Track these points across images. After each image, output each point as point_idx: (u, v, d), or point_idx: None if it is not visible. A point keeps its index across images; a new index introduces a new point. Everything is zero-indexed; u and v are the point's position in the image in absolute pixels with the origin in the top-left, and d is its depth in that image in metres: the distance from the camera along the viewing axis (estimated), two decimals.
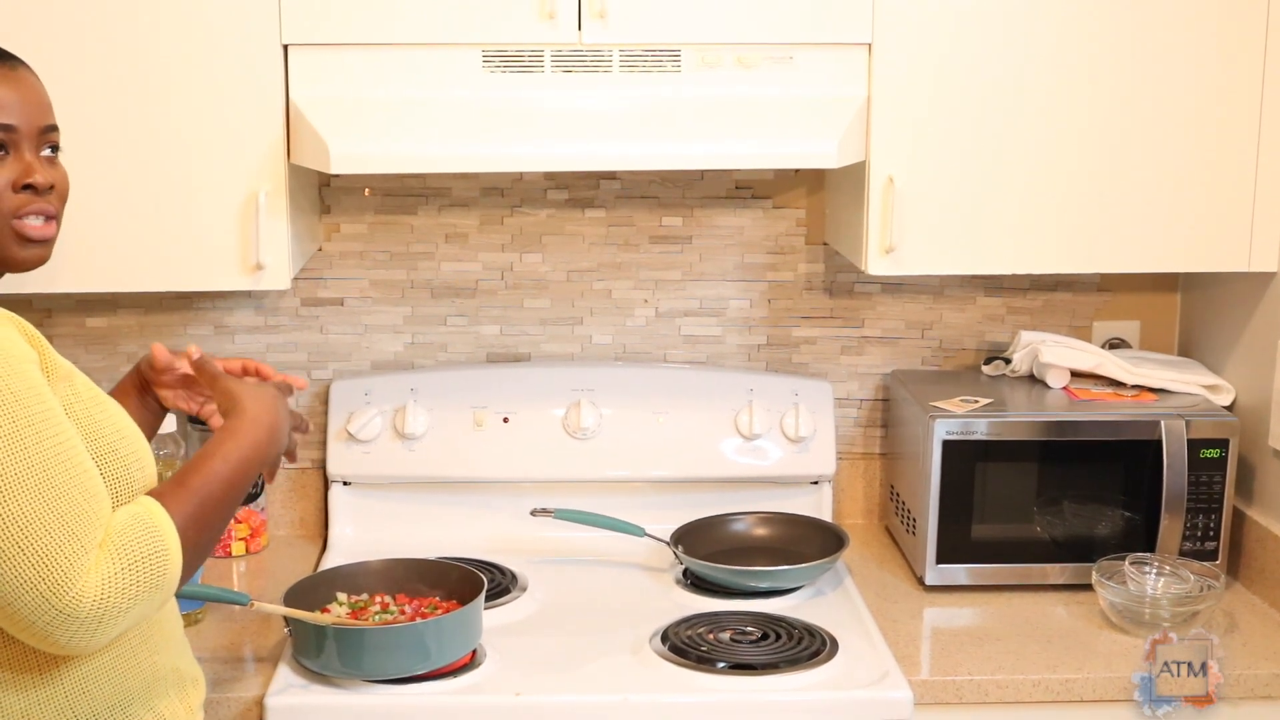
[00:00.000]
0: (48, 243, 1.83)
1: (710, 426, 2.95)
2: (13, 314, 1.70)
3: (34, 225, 1.81)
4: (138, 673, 1.80)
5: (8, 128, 1.78)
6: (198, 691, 1.95)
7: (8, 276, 1.86)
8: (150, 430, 2.16)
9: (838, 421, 3.04)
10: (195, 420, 2.27)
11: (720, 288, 3.04)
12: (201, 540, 1.76)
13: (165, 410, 2.20)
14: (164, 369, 2.14)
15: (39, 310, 2.92)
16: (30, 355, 1.67)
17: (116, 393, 2.13)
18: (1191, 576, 2.56)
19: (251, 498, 2.91)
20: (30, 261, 1.83)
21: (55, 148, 1.86)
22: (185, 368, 2.13)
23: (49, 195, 1.82)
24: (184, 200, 2.52)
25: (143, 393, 2.16)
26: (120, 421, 1.80)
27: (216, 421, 2.11)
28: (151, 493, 1.75)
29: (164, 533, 1.69)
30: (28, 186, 1.79)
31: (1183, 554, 2.65)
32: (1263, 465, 2.72)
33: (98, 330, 2.96)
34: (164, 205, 2.52)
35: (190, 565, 1.73)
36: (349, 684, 2.32)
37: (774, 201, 3.02)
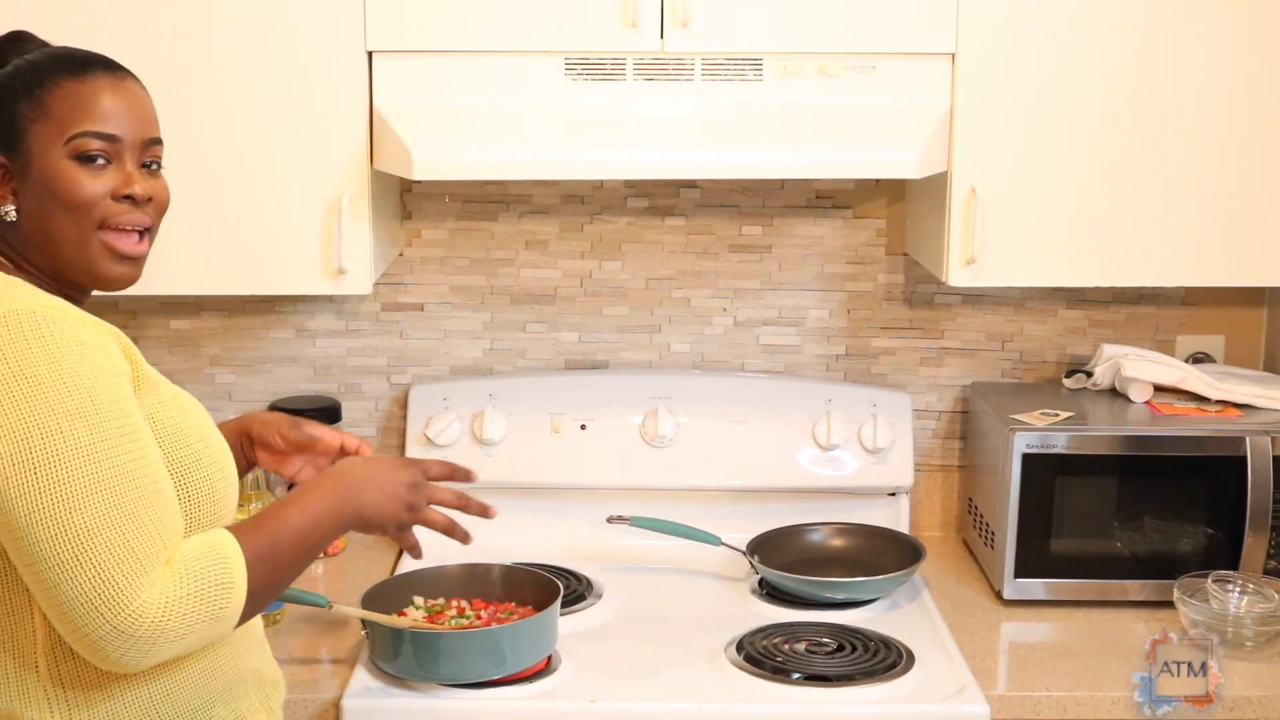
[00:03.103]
0: (138, 261, 1.80)
1: (787, 436, 2.94)
2: (113, 327, 1.71)
3: (126, 241, 1.78)
4: (220, 675, 1.81)
5: (112, 138, 1.76)
6: (278, 693, 1.96)
7: None
8: (242, 471, 2.13)
9: (916, 433, 3.02)
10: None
11: (799, 297, 3.03)
12: (270, 582, 1.74)
13: (254, 465, 2.17)
14: (289, 446, 2.12)
15: (124, 312, 2.95)
16: (123, 369, 1.68)
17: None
18: (1276, 595, 2.53)
19: None
20: (120, 280, 1.80)
21: (158, 162, 1.83)
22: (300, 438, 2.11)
23: (146, 207, 1.79)
24: (268, 205, 2.54)
25: (239, 439, 2.12)
26: (205, 430, 1.81)
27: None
28: (229, 528, 1.74)
29: (233, 566, 1.68)
30: (126, 197, 1.77)
31: (1267, 572, 2.62)
32: None
33: (182, 332, 3.00)
34: (248, 210, 2.54)
35: (255, 605, 1.71)
36: (425, 687, 2.33)
37: (854, 211, 3.01)
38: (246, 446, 2.13)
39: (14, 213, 1.74)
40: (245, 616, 1.71)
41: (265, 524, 1.76)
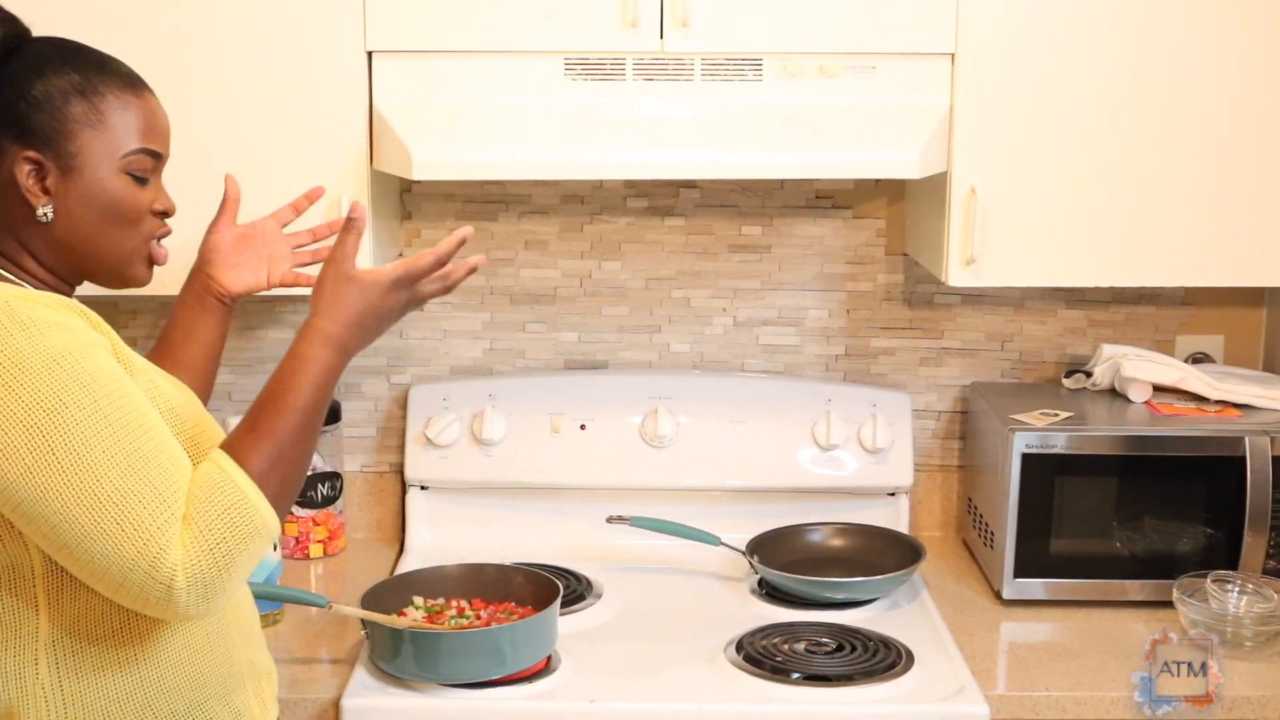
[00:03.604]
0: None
1: (787, 436, 2.95)
2: (75, 302, 1.72)
3: (161, 252, 1.86)
4: (215, 669, 1.81)
5: (158, 156, 1.82)
6: (270, 683, 1.96)
7: None
8: (220, 338, 2.22)
9: (915, 433, 3.02)
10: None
11: (799, 297, 3.03)
12: (289, 479, 1.73)
13: (231, 302, 2.22)
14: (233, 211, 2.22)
15: (124, 312, 2.95)
16: (98, 340, 1.68)
17: (179, 309, 2.20)
18: (1275, 595, 2.53)
19: (329, 500, 2.93)
20: (144, 282, 1.85)
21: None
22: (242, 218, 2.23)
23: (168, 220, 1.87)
24: (267, 205, 2.53)
25: (203, 295, 2.20)
26: (199, 414, 1.83)
27: (289, 279, 2.25)
28: (223, 444, 1.72)
29: (239, 482, 1.66)
30: (163, 212, 1.84)
31: (1266, 572, 2.62)
32: None
33: None
34: (248, 210, 2.53)
35: (284, 500, 1.71)
36: (424, 687, 2.33)
37: (854, 211, 3.01)
38: (209, 287, 2.21)
39: (51, 213, 1.74)
40: (281, 512, 1.70)
41: (260, 423, 1.73)
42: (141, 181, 1.79)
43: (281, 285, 2.30)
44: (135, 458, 1.62)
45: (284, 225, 2.34)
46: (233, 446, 1.71)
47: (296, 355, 1.80)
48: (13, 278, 1.75)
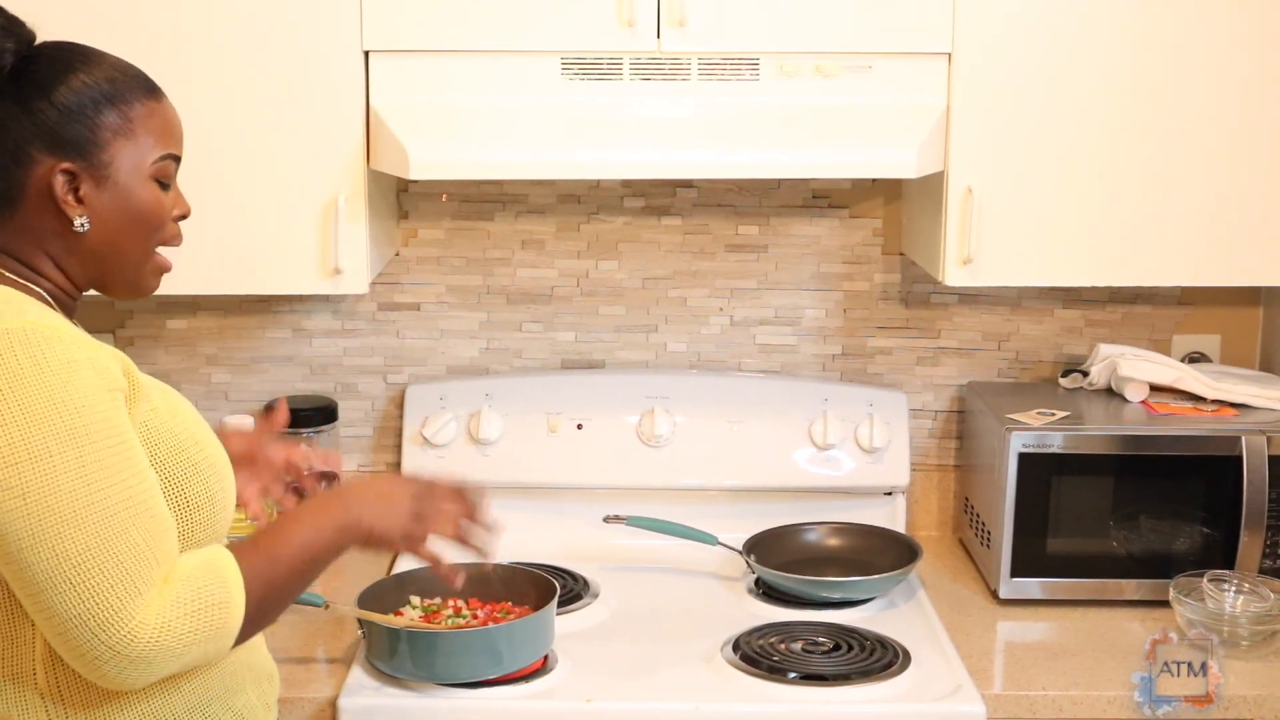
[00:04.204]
0: None
1: (784, 436, 2.95)
2: (110, 347, 1.70)
3: (167, 260, 1.84)
4: (218, 674, 1.81)
5: (179, 159, 1.82)
6: (273, 687, 1.96)
7: None
8: None
9: (912, 433, 3.02)
10: None
11: (796, 297, 3.03)
12: (269, 600, 1.73)
13: None
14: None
15: (121, 312, 2.95)
16: (118, 385, 1.67)
17: None
18: (1271, 595, 2.53)
19: None
20: (150, 291, 1.84)
21: None
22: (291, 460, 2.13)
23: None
24: (265, 205, 2.54)
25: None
26: (200, 434, 1.80)
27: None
28: (228, 547, 1.74)
29: (231, 584, 1.67)
30: (181, 216, 1.84)
31: (1262, 572, 2.62)
32: None
33: (178, 332, 3.00)
34: (245, 210, 2.54)
35: (254, 624, 1.72)
36: (421, 687, 2.33)
37: (851, 211, 3.01)
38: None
39: (87, 223, 1.73)
40: (245, 635, 1.70)
41: (263, 541, 1.76)
42: (165, 187, 1.79)
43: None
44: (107, 523, 1.60)
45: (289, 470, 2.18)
46: (237, 550, 1.72)
47: (318, 498, 1.90)
48: (35, 288, 1.74)
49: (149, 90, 1.78)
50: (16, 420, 1.58)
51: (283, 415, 2.19)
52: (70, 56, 1.75)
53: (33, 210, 1.72)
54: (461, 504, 1.97)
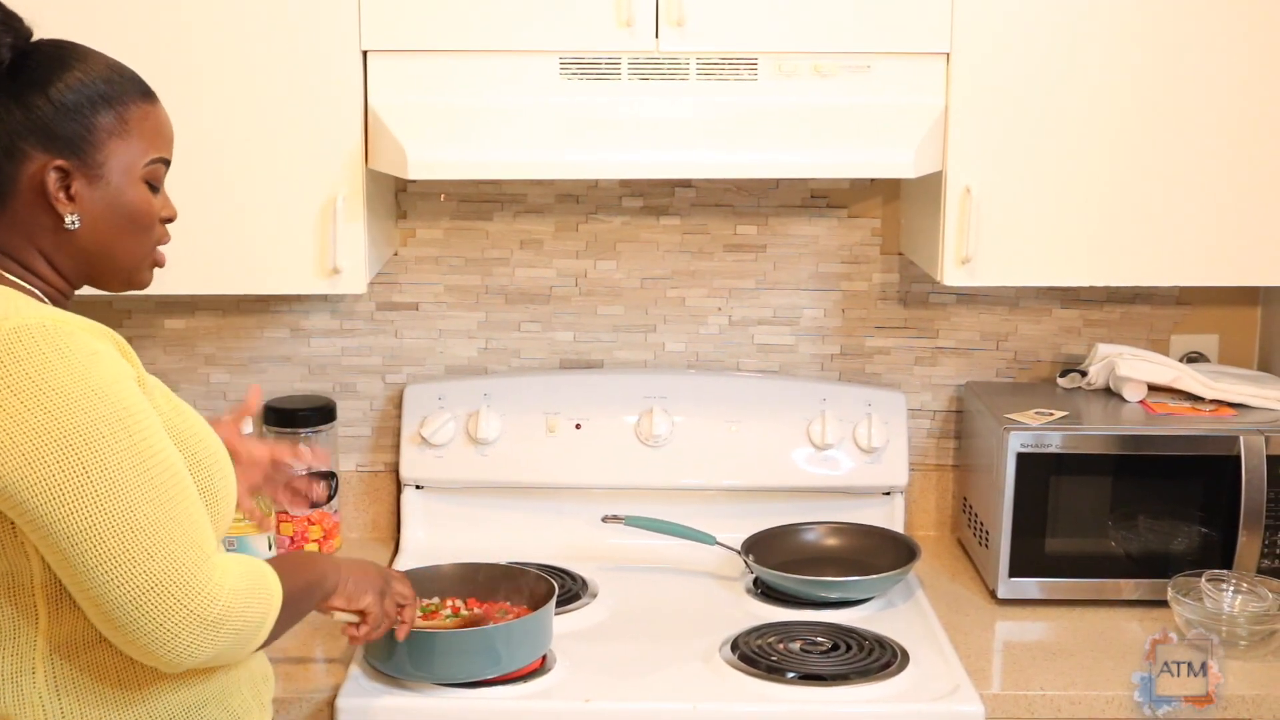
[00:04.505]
0: None
1: (782, 436, 2.95)
2: (109, 330, 1.72)
3: (163, 255, 1.87)
4: (215, 675, 1.82)
5: (169, 164, 1.84)
6: (268, 687, 1.97)
7: None
8: None
9: (910, 433, 3.02)
10: None
11: (794, 297, 3.03)
12: (284, 611, 1.80)
13: None
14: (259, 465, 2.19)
15: (119, 311, 2.95)
16: (130, 372, 1.70)
17: None
18: (1269, 595, 2.53)
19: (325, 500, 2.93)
20: (147, 285, 1.87)
21: None
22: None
23: None
24: (263, 204, 2.54)
25: None
26: (201, 429, 1.82)
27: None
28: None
29: (270, 578, 1.77)
30: (168, 219, 1.86)
31: (1261, 571, 2.62)
32: None
33: (176, 332, 3.00)
34: (243, 209, 2.54)
35: (273, 632, 1.78)
36: (419, 687, 2.33)
37: (849, 211, 3.01)
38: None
39: (78, 220, 1.75)
40: (267, 640, 1.77)
41: (276, 565, 1.83)
42: (154, 190, 1.81)
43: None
44: (167, 494, 1.65)
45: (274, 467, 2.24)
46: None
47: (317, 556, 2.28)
48: (28, 285, 1.75)
49: (144, 93, 1.79)
50: (60, 409, 1.60)
51: (254, 399, 2.24)
52: (67, 55, 1.76)
53: (24, 206, 1.73)
54: (405, 613, 2.23)
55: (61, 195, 1.73)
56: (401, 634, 2.23)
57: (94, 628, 1.69)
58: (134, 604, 1.61)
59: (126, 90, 1.77)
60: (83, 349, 1.64)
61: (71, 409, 1.60)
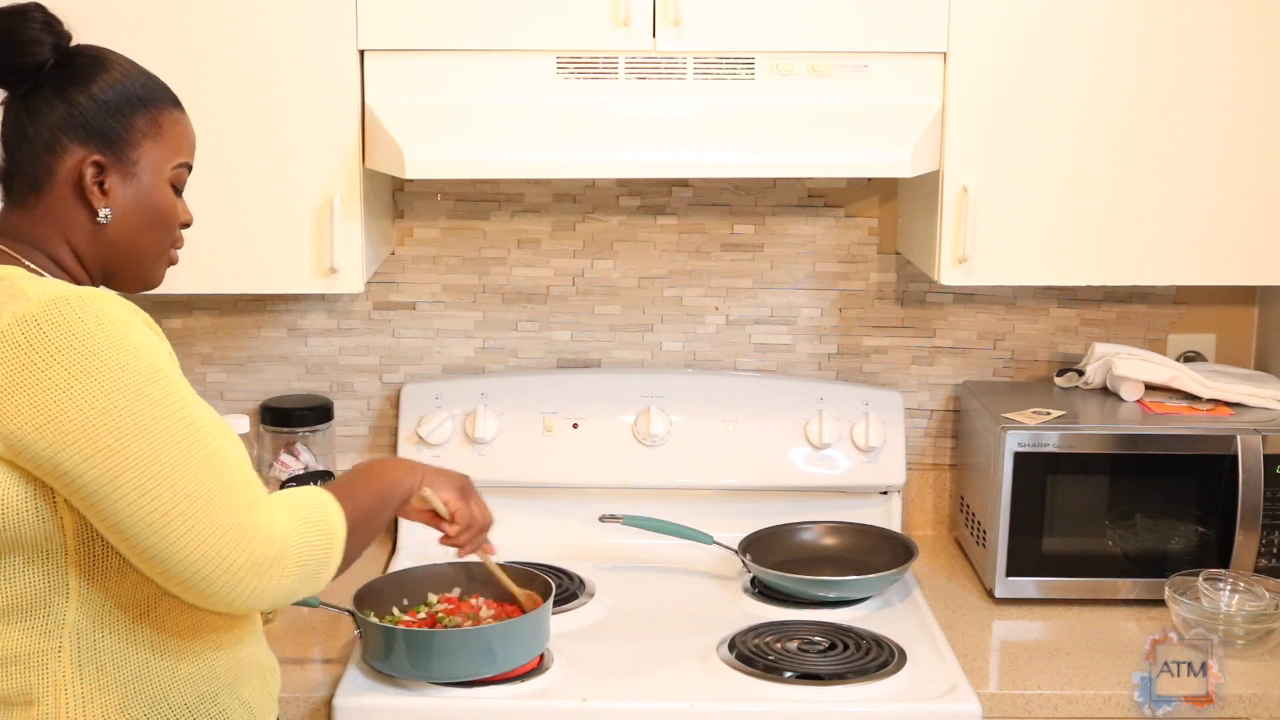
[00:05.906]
0: None
1: (780, 435, 2.95)
2: (139, 309, 1.75)
3: (176, 255, 1.93)
4: (226, 663, 1.83)
5: (191, 169, 1.90)
6: (275, 680, 1.99)
7: None
8: None
9: (908, 432, 3.03)
10: None
11: (791, 296, 3.03)
12: (355, 533, 1.83)
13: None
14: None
15: None
16: (163, 345, 1.74)
17: None
18: (1266, 594, 2.53)
19: None
20: (158, 283, 1.92)
21: None
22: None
23: None
24: (260, 204, 2.54)
25: None
26: (211, 411, 1.84)
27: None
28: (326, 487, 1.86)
29: (328, 506, 1.80)
30: (185, 224, 1.91)
31: (1258, 571, 2.62)
32: None
33: (173, 331, 2.99)
34: (240, 209, 2.54)
35: (346, 556, 1.82)
36: (417, 686, 2.33)
37: (846, 210, 3.01)
38: None
39: (110, 214, 1.80)
40: (341, 566, 1.81)
41: (337, 487, 1.87)
42: (177, 193, 1.88)
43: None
44: (213, 445, 1.70)
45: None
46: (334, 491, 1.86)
47: (381, 461, 2.11)
48: (46, 275, 1.79)
49: (174, 101, 1.88)
50: (104, 372, 1.63)
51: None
52: (108, 58, 1.84)
53: (58, 199, 1.79)
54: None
55: (96, 189, 1.79)
56: (472, 552, 2.26)
57: (118, 610, 1.72)
58: (193, 557, 1.65)
59: (161, 96, 1.85)
60: (116, 316, 1.68)
61: (115, 372, 1.64)
